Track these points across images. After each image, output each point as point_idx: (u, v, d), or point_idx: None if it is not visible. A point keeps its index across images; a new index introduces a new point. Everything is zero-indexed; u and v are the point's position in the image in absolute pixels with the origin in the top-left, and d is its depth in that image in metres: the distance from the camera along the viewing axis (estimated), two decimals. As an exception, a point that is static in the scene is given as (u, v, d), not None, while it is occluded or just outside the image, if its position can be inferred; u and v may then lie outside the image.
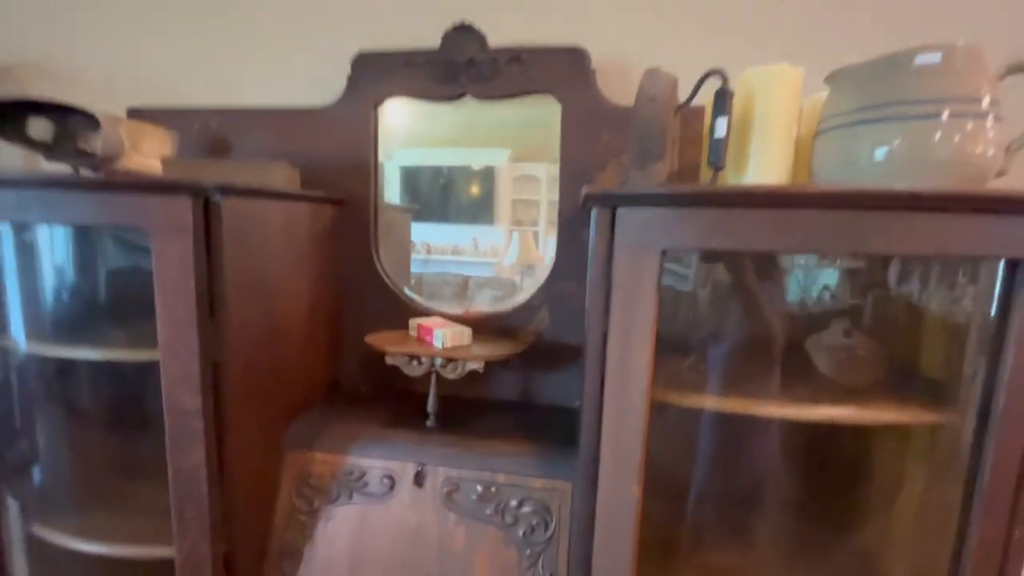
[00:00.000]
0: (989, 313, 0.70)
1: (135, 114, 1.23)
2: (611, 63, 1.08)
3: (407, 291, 1.22)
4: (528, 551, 0.92)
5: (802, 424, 0.83)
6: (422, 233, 1.28)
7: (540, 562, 0.92)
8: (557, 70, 1.07)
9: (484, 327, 1.13)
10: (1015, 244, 0.64)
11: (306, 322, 1.10)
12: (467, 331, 1.04)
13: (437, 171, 1.27)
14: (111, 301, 1.11)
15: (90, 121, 0.96)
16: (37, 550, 1.05)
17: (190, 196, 0.80)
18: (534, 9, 1.12)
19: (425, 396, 1.05)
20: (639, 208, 0.70)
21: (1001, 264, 0.68)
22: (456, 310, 1.20)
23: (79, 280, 1.11)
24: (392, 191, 1.25)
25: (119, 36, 1.30)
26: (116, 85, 1.29)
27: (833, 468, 0.98)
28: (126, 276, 1.09)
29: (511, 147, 1.21)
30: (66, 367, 1.09)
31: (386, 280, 1.20)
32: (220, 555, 0.90)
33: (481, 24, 1.09)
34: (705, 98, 0.76)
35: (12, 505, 1.04)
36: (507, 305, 1.18)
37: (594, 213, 0.72)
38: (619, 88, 1.07)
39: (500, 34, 1.09)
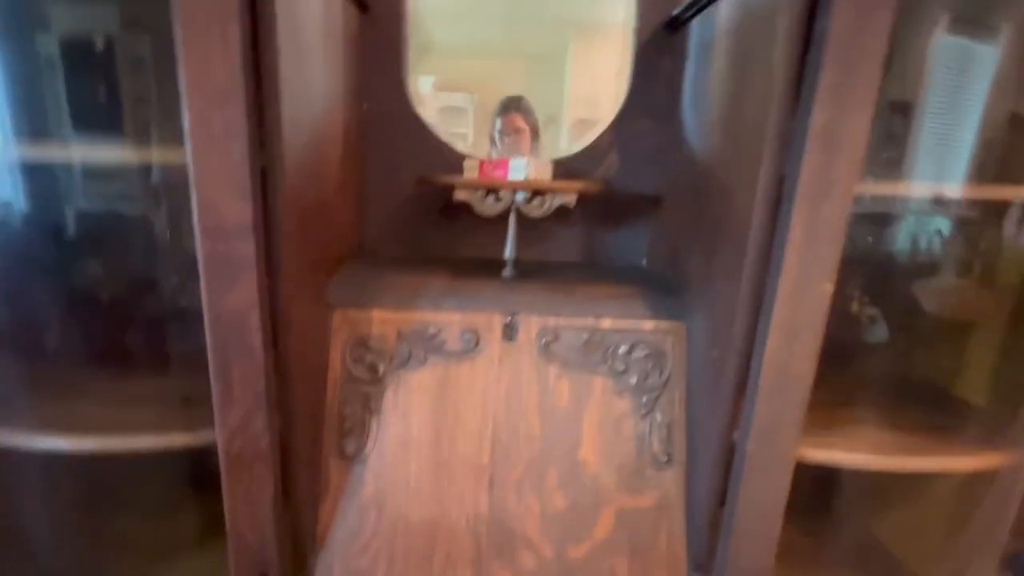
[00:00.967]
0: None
1: None
2: None
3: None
4: (644, 398, 0.82)
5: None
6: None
7: (656, 409, 0.82)
8: None
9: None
10: None
11: (340, 158, 0.86)
12: (548, 164, 0.88)
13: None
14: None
15: None
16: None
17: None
18: None
19: (467, 261, 0.90)
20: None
21: None
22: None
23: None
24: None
25: None
26: None
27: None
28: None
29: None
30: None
31: (420, 117, 0.99)
32: (277, 434, 0.68)
33: None
34: None
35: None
36: (567, 149, 1.02)
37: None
38: None
39: None
